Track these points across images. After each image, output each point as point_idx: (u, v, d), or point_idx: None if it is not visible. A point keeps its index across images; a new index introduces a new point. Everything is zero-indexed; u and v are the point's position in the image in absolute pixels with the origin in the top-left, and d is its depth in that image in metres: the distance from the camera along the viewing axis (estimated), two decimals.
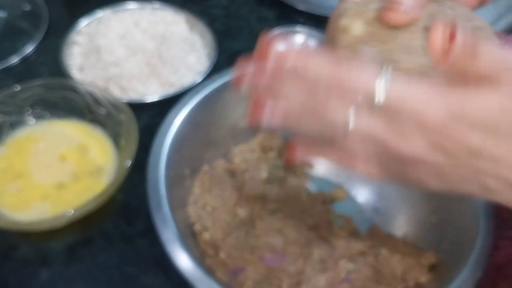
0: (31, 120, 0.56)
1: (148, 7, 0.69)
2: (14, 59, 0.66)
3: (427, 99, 0.28)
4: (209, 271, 0.45)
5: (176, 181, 0.47)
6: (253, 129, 0.33)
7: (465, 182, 0.31)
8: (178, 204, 0.47)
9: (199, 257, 0.44)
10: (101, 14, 0.67)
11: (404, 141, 0.29)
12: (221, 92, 0.51)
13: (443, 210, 0.48)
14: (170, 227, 0.41)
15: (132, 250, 0.51)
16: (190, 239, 0.46)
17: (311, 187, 0.55)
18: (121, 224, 0.52)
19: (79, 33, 0.66)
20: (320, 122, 0.31)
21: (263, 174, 0.51)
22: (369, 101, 0.29)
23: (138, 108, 0.57)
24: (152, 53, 0.63)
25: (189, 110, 0.49)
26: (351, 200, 0.55)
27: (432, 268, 0.46)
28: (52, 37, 0.68)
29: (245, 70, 0.34)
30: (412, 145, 0.29)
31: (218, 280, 0.39)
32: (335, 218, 0.52)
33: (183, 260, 0.40)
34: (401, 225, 0.51)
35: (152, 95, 0.60)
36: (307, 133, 0.33)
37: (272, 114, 0.32)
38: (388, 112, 0.29)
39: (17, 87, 0.55)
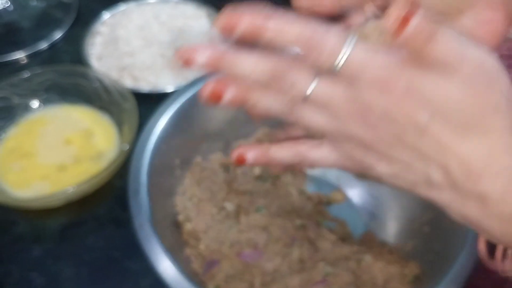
0: (43, 104, 0.59)
1: (170, 1, 0.70)
2: (43, 45, 0.69)
3: (386, 68, 0.28)
4: (187, 261, 0.45)
5: (163, 170, 0.47)
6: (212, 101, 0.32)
7: (411, 169, 0.30)
8: (163, 193, 0.47)
9: (176, 246, 0.44)
10: (125, 6, 0.69)
11: (357, 109, 0.29)
12: None
13: (437, 222, 0.46)
14: (144, 214, 0.41)
15: (120, 234, 0.52)
16: (172, 228, 0.47)
17: (310, 187, 0.54)
18: (115, 209, 0.54)
19: (103, 24, 0.69)
20: (280, 88, 0.31)
21: (256, 170, 0.51)
22: (331, 62, 0.29)
23: (149, 98, 0.59)
24: (168, 45, 0.64)
25: (183, 102, 0.49)
26: (349, 203, 0.54)
27: (415, 279, 0.43)
28: (78, 26, 0.71)
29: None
30: (365, 114, 0.29)
31: (184, 271, 0.39)
32: (327, 221, 0.50)
33: (152, 248, 0.40)
34: (394, 233, 0.49)
35: (165, 87, 0.61)
36: (265, 105, 0.32)
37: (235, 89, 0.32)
38: (348, 76, 0.29)
39: (33, 72, 0.57)
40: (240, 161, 0.35)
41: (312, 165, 0.35)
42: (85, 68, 0.60)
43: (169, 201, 0.48)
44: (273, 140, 0.37)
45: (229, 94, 0.32)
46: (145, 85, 0.62)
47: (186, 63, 0.32)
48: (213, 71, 0.32)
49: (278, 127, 0.54)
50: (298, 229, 0.48)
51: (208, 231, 0.47)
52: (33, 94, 0.58)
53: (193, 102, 0.50)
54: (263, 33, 0.29)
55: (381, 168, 0.31)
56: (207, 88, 0.33)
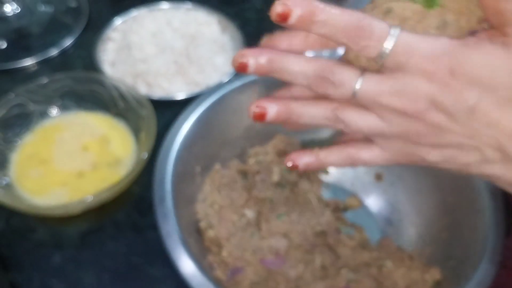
0: (59, 111, 0.59)
1: (182, 7, 0.70)
2: (54, 52, 0.69)
3: (431, 53, 0.29)
4: (209, 268, 0.46)
5: (185, 177, 0.47)
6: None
7: (463, 152, 0.31)
8: (185, 200, 0.47)
9: (199, 253, 0.45)
10: (137, 12, 0.70)
11: (406, 98, 0.30)
12: (237, 93, 0.51)
13: (455, 228, 0.47)
14: (171, 222, 0.42)
15: (141, 241, 0.52)
16: (195, 235, 0.47)
17: (325, 193, 0.54)
18: (134, 215, 0.54)
19: (115, 30, 0.69)
20: (328, 87, 0.32)
21: (275, 177, 0.51)
22: (379, 48, 0.29)
23: (163, 105, 0.59)
24: (180, 52, 0.65)
25: (204, 109, 0.50)
26: (365, 209, 0.54)
27: (436, 285, 0.44)
28: (90, 32, 0.71)
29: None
30: (414, 101, 0.30)
31: (211, 278, 0.39)
32: (345, 227, 0.51)
33: (180, 256, 0.40)
34: (411, 239, 0.50)
35: (178, 93, 0.61)
36: (310, 115, 0.34)
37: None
38: (395, 64, 0.30)
39: (48, 79, 0.57)
40: (293, 168, 0.37)
41: (364, 165, 0.36)
42: (100, 75, 0.60)
43: (190, 209, 0.49)
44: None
45: (272, 111, 0.34)
46: (159, 92, 0.62)
47: (240, 68, 0.33)
48: (264, 74, 0.33)
49: (295, 135, 0.55)
50: (318, 235, 0.49)
51: (230, 238, 0.47)
52: (49, 101, 0.58)
53: (212, 110, 0.51)
54: (314, 22, 0.29)
55: (433, 156, 0.32)
56: (251, 109, 0.34)
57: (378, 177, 0.55)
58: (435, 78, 0.29)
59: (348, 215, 0.53)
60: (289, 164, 0.38)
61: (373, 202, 0.54)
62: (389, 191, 0.54)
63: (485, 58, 0.28)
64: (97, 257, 0.51)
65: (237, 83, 0.52)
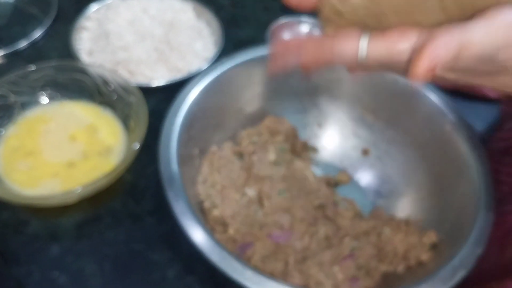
0: (42, 101, 0.57)
1: None
2: (23, 43, 0.67)
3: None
4: None
5: (186, 160, 0.48)
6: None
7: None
8: (188, 182, 0.48)
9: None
10: (110, 0, 0.69)
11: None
12: (229, 76, 0.52)
13: (445, 193, 0.50)
14: (182, 201, 0.42)
15: (139, 228, 0.52)
16: (200, 215, 0.47)
17: (316, 171, 0.56)
18: (129, 203, 0.53)
19: (88, 19, 0.68)
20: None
21: (271, 156, 0.53)
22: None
23: (145, 92, 0.58)
24: (160, 39, 0.64)
25: (199, 92, 0.50)
26: (354, 184, 0.57)
27: (433, 246, 0.47)
28: (61, 22, 0.69)
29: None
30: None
31: (229, 251, 0.40)
32: (339, 201, 0.53)
33: (196, 232, 0.41)
34: (403, 208, 0.53)
35: (160, 80, 0.61)
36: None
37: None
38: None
39: (29, 68, 0.56)
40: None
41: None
42: (83, 63, 0.59)
43: (192, 190, 0.49)
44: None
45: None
46: (141, 79, 0.62)
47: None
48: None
49: (284, 115, 0.57)
50: (317, 209, 0.50)
51: (235, 216, 0.48)
52: (31, 91, 0.56)
53: (206, 93, 0.51)
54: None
55: None
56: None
57: (365, 152, 0.57)
58: (445, 62, 0.31)
59: (339, 190, 0.55)
60: None
61: (362, 176, 0.57)
62: (376, 165, 0.56)
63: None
64: (96, 246, 0.50)
65: (228, 65, 0.52)
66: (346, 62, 0.34)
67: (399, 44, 0.32)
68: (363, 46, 0.33)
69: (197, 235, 0.41)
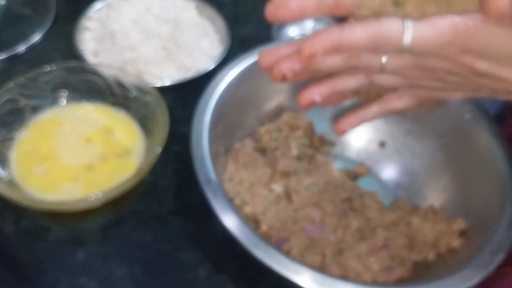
0: (53, 103, 0.55)
1: None
2: (22, 47, 0.65)
3: (443, 43, 0.33)
4: None
5: (215, 157, 0.47)
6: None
7: (482, 91, 0.38)
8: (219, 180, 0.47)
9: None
10: (111, 0, 0.67)
11: (424, 72, 0.36)
12: (251, 73, 0.52)
13: (469, 181, 0.51)
14: (222, 198, 0.42)
15: (165, 228, 0.51)
16: None
17: (335, 165, 0.56)
18: (151, 204, 0.52)
19: (90, 19, 0.66)
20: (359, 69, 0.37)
21: (294, 151, 0.52)
22: (400, 47, 0.34)
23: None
24: (167, 37, 0.64)
25: (223, 89, 0.49)
26: (374, 176, 0.57)
27: (462, 233, 0.48)
28: (60, 24, 0.67)
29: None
30: (431, 73, 0.36)
31: (274, 246, 0.40)
32: (364, 193, 0.53)
33: (238, 229, 0.40)
34: (425, 198, 0.53)
35: (170, 79, 0.60)
36: (350, 84, 0.39)
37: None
38: (414, 53, 0.34)
39: (39, 70, 0.54)
40: (341, 132, 0.40)
41: (398, 113, 0.42)
42: (93, 64, 0.58)
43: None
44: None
45: (318, 97, 0.40)
46: (151, 78, 0.61)
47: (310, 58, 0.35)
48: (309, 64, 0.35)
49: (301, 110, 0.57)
50: (345, 202, 0.51)
51: (266, 212, 0.48)
52: (41, 94, 0.55)
53: (229, 90, 0.51)
54: (339, 49, 0.34)
55: (456, 96, 0.39)
56: (301, 102, 0.40)
57: (382, 144, 0.58)
58: (449, 58, 0.34)
59: (359, 183, 0.56)
60: (338, 130, 0.41)
61: (381, 168, 0.57)
62: (394, 156, 0.57)
63: (489, 35, 0.33)
64: (123, 249, 0.49)
65: (249, 62, 0.52)
66: (389, 47, 0.34)
67: (443, 21, 0.33)
68: (408, 27, 0.33)
69: (240, 231, 0.40)
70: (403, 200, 0.54)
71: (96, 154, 0.53)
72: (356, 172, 0.56)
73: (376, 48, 0.34)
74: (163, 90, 0.60)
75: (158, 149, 0.49)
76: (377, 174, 0.57)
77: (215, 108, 0.48)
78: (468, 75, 0.35)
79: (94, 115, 0.56)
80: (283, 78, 0.36)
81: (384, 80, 0.38)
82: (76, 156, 0.52)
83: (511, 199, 0.45)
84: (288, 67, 0.36)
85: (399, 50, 0.34)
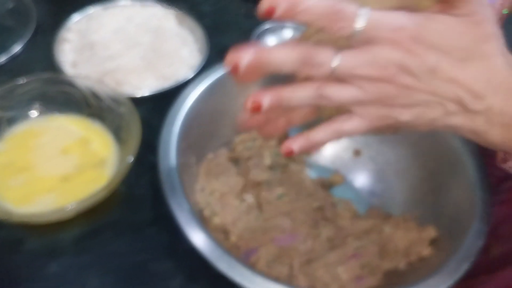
0: (30, 115, 0.56)
1: (137, 4, 0.69)
2: (2, 58, 0.65)
3: (395, 25, 0.34)
4: None
5: (184, 168, 0.47)
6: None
7: (430, 108, 0.36)
8: (187, 191, 0.47)
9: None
10: (91, 11, 0.68)
11: (378, 66, 0.34)
12: (223, 83, 0.52)
13: (441, 188, 0.51)
14: (186, 210, 0.42)
15: (140, 238, 0.51)
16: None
17: (310, 173, 0.57)
18: (126, 214, 0.53)
19: (69, 30, 0.67)
20: (310, 69, 0.35)
21: (267, 160, 0.53)
22: (353, 27, 0.33)
23: (133, 101, 0.58)
24: (147, 47, 0.64)
25: (194, 99, 0.50)
26: (348, 184, 0.57)
27: (433, 242, 0.48)
28: (41, 34, 0.68)
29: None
30: (385, 68, 0.34)
31: (237, 258, 0.40)
32: (337, 202, 0.54)
33: (202, 241, 0.41)
34: (398, 206, 0.54)
35: (148, 89, 0.61)
36: (298, 97, 0.37)
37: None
38: (366, 39, 0.34)
39: (16, 82, 0.55)
40: (289, 154, 0.39)
41: (348, 135, 0.40)
42: (70, 75, 0.58)
43: (191, 199, 0.49)
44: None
45: (266, 102, 0.37)
46: (129, 89, 0.61)
47: (234, 70, 0.36)
48: (254, 71, 0.36)
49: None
50: (317, 211, 0.51)
51: (236, 222, 0.48)
52: (17, 106, 0.55)
53: (202, 100, 0.51)
54: (297, 13, 0.33)
55: (405, 116, 0.37)
56: (248, 105, 0.37)
57: (357, 153, 0.58)
58: (400, 46, 0.34)
59: (334, 192, 0.56)
60: (285, 150, 0.40)
61: (355, 177, 0.58)
62: (369, 165, 0.57)
63: (440, 26, 0.33)
64: (97, 260, 0.49)
65: (222, 72, 0.52)
66: (343, 23, 0.34)
67: (397, 11, 0.34)
68: (362, 12, 0.33)
69: (204, 243, 0.41)
70: (378, 208, 0.54)
71: (72, 165, 0.53)
72: (331, 180, 0.57)
73: (330, 24, 0.34)
74: (141, 100, 0.61)
75: (130, 158, 0.50)
76: (352, 183, 0.57)
77: (185, 119, 0.49)
78: (421, 73, 0.34)
79: (70, 127, 0.56)
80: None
81: (334, 91, 0.36)
82: (52, 168, 0.53)
83: (479, 207, 0.45)
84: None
85: (352, 34, 0.34)
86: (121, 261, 0.49)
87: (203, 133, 0.52)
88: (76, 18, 0.67)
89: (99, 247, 0.50)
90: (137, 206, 0.53)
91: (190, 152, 0.49)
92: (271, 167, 0.53)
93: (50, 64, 0.63)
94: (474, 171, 0.48)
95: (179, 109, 0.49)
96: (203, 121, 0.52)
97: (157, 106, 0.61)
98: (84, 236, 0.51)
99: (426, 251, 0.47)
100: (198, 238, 0.41)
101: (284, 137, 0.56)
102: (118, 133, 0.55)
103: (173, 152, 0.46)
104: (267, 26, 0.70)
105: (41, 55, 0.65)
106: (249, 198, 0.50)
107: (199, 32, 0.68)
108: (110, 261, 0.49)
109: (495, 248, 0.50)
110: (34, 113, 0.56)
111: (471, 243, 0.43)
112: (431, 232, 0.48)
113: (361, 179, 0.57)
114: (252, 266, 0.45)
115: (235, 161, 0.53)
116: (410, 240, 0.48)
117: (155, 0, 0.70)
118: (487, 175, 0.47)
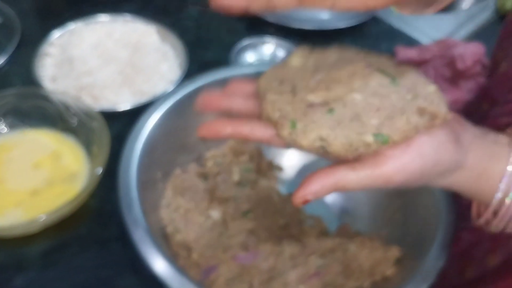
0: (3, 129, 0.57)
1: (119, 19, 0.70)
2: None
3: None
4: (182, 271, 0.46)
5: (148, 184, 0.48)
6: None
7: None
8: (150, 207, 0.47)
9: (171, 258, 0.45)
10: (73, 26, 0.69)
11: None
12: (192, 98, 0.52)
13: (408, 208, 0.50)
14: (142, 228, 0.42)
15: (106, 253, 0.51)
16: (162, 241, 0.47)
17: (282, 189, 0.56)
18: (95, 229, 0.53)
19: (51, 45, 0.67)
20: None
21: (235, 176, 0.53)
22: None
23: (110, 116, 0.58)
24: (125, 62, 0.65)
25: (160, 115, 0.50)
26: (320, 201, 0.57)
27: (398, 261, 0.48)
28: (24, 48, 0.69)
29: None
30: None
31: (190, 278, 0.40)
32: (306, 218, 0.53)
33: (155, 260, 0.41)
34: (367, 223, 0.53)
35: (124, 104, 0.61)
36: None
37: None
38: None
39: None
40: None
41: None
42: (44, 90, 0.59)
43: (155, 215, 0.49)
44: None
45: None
46: (105, 104, 0.62)
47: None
48: None
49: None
50: (283, 228, 0.51)
51: (199, 239, 0.48)
52: None
53: (169, 116, 0.51)
54: None
55: None
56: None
57: None
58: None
59: (305, 208, 0.56)
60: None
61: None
62: None
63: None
64: (63, 274, 0.50)
65: (190, 88, 0.53)
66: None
67: None
68: None
69: (157, 263, 0.41)
70: (348, 225, 0.54)
71: (42, 179, 0.54)
72: None
73: None
74: (118, 115, 0.61)
75: (99, 170, 0.50)
76: (324, 199, 0.57)
77: (150, 135, 0.49)
78: None
79: (43, 141, 0.57)
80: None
81: None
82: (22, 181, 0.53)
83: (442, 227, 0.45)
84: None
85: None
86: (87, 276, 0.50)
87: (170, 148, 0.52)
88: (58, 33, 0.68)
89: (66, 261, 0.50)
90: (106, 221, 0.54)
91: (155, 167, 0.50)
92: (240, 183, 0.53)
93: (30, 79, 0.64)
94: (441, 191, 0.47)
95: (143, 125, 0.49)
96: (171, 136, 0.52)
97: (134, 121, 0.61)
98: (52, 250, 0.51)
99: (390, 270, 0.47)
100: (152, 258, 0.41)
101: (257, 152, 0.56)
102: (89, 147, 0.56)
103: (134, 168, 0.46)
104: (247, 41, 0.70)
105: (23, 69, 0.66)
106: (215, 214, 0.50)
107: (180, 47, 0.68)
108: (76, 276, 0.49)
109: (470, 271, 0.49)
110: (8, 127, 0.57)
111: (431, 263, 0.43)
112: (395, 252, 0.47)
113: (332, 196, 0.57)
114: (210, 284, 0.45)
115: (204, 176, 0.53)
116: (375, 259, 0.48)
117: (137, 16, 0.71)
118: (453, 197, 0.47)
